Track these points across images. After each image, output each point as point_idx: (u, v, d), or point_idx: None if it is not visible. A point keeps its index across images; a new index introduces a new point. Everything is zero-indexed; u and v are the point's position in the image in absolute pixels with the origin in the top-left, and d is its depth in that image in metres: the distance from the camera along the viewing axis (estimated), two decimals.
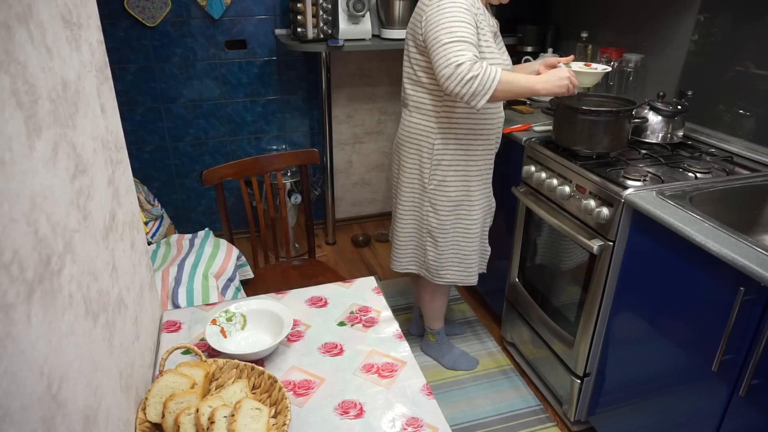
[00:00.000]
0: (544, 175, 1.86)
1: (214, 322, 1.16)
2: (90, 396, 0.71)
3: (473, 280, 1.96)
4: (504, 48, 1.78)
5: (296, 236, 3.17)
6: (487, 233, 2.00)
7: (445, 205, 1.82)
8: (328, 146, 2.98)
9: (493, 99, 1.53)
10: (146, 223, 2.38)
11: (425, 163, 1.78)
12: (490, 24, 1.69)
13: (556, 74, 1.62)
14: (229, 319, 1.18)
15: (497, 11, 2.78)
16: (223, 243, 2.04)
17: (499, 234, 2.25)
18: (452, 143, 1.75)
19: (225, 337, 1.15)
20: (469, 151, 1.77)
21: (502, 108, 1.80)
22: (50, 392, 0.58)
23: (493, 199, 1.97)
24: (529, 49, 2.66)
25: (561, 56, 2.46)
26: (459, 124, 1.73)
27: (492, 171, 1.88)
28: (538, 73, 1.84)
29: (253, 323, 1.20)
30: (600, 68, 1.75)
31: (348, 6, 2.55)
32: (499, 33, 1.77)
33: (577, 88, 1.75)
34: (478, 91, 1.49)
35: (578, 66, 1.78)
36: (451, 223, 1.85)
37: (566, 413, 1.92)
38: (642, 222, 1.50)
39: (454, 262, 1.91)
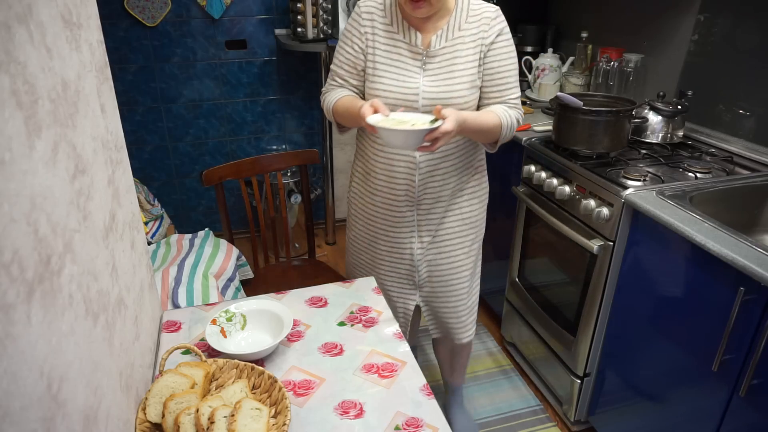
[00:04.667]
0: (544, 175, 1.86)
1: (214, 322, 1.16)
2: (90, 396, 0.71)
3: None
4: (457, 75, 1.37)
5: (296, 236, 3.17)
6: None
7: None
8: (328, 146, 2.98)
9: (342, 129, 1.50)
10: (146, 223, 2.38)
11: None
12: (405, 40, 1.38)
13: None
14: (229, 319, 1.18)
15: None
16: (223, 243, 2.05)
17: (499, 234, 2.25)
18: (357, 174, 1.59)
19: (225, 337, 1.15)
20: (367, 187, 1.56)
21: (389, 149, 1.45)
22: (50, 392, 0.58)
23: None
24: (529, 49, 2.66)
25: (562, 56, 2.47)
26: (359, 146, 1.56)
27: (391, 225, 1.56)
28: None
29: (253, 323, 1.20)
30: (418, 121, 1.23)
31: (348, 6, 2.55)
32: (434, 52, 1.37)
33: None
34: (329, 119, 1.49)
35: (396, 118, 1.25)
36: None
37: (566, 413, 1.92)
38: (642, 222, 1.50)
39: None
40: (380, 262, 1.62)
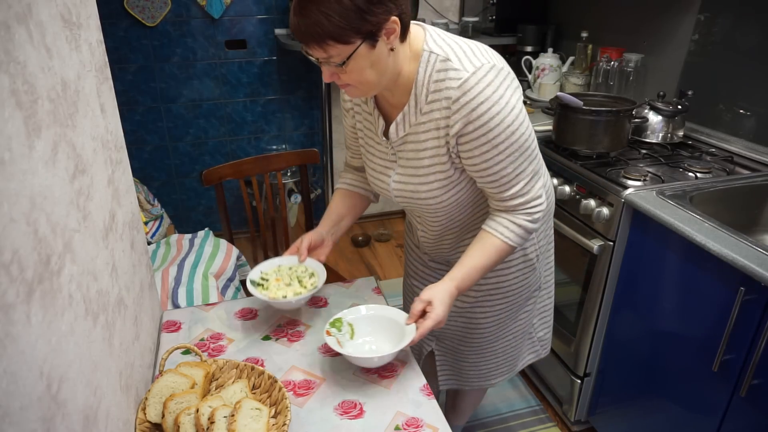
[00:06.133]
0: None
1: (329, 333, 1.08)
2: (90, 396, 0.71)
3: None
4: (423, 172, 1.10)
5: (296, 236, 3.16)
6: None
7: None
8: (328, 146, 2.98)
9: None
10: (146, 223, 2.38)
11: None
12: (374, 125, 1.15)
13: None
14: (339, 329, 1.11)
15: (498, 13, 2.77)
16: (223, 243, 2.04)
17: None
18: None
19: (341, 347, 1.07)
20: None
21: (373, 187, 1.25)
22: (50, 392, 0.58)
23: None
24: (529, 48, 2.66)
25: (562, 56, 2.46)
26: None
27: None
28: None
29: (361, 331, 1.13)
30: (294, 296, 1.18)
31: None
32: (398, 141, 1.10)
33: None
34: None
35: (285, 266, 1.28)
36: None
37: (566, 413, 1.92)
38: (642, 222, 1.50)
39: None
40: (413, 289, 1.48)
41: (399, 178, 1.15)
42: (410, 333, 1.05)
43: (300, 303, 1.19)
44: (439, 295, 1.06)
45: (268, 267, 1.26)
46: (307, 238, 1.27)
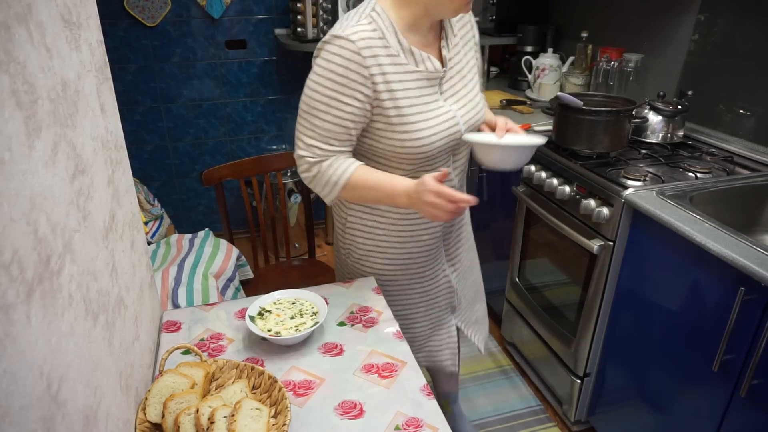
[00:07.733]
0: (544, 174, 1.86)
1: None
2: (90, 396, 0.71)
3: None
4: (471, 85, 1.24)
5: (296, 236, 3.17)
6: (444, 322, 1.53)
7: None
8: None
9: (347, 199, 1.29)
10: (146, 223, 2.38)
11: (337, 226, 1.42)
12: (419, 69, 1.14)
13: (427, 197, 1.07)
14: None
15: (498, 13, 2.77)
16: (223, 243, 2.05)
17: (500, 234, 2.25)
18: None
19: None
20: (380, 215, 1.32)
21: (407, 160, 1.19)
22: (50, 392, 0.58)
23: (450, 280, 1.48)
24: (529, 49, 2.66)
25: (562, 56, 2.47)
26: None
27: (435, 245, 1.39)
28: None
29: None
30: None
31: (348, 6, 2.55)
32: (463, 69, 1.22)
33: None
34: (322, 193, 1.19)
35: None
36: None
37: (566, 413, 1.92)
38: (642, 222, 1.50)
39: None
40: (415, 310, 1.47)
41: (459, 105, 1.21)
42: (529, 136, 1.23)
43: (297, 341, 1.16)
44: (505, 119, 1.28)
45: (266, 301, 1.24)
46: (437, 175, 1.09)
